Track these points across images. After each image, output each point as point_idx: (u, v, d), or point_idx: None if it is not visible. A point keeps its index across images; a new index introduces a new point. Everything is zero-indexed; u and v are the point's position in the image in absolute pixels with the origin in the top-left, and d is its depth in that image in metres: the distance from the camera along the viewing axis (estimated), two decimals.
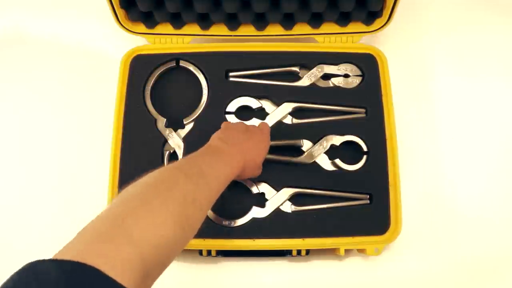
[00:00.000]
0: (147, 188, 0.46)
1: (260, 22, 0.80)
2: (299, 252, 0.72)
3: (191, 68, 0.80)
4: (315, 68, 0.79)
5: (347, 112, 0.78)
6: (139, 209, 0.42)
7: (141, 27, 0.81)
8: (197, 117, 0.77)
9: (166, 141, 0.76)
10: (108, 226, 0.40)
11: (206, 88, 0.79)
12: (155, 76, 0.79)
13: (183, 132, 0.77)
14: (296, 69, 0.80)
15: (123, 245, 0.38)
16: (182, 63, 0.80)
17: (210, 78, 0.79)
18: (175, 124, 0.77)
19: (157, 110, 0.78)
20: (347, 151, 0.78)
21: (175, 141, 0.76)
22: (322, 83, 0.80)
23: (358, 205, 0.73)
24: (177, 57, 0.80)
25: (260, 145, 0.66)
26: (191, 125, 0.77)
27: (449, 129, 0.84)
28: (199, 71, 0.79)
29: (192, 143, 0.76)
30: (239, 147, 0.62)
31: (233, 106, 0.78)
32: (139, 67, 0.79)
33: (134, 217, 0.41)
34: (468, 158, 0.82)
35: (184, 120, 0.77)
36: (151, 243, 0.40)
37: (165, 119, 0.77)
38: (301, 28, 0.81)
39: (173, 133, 0.76)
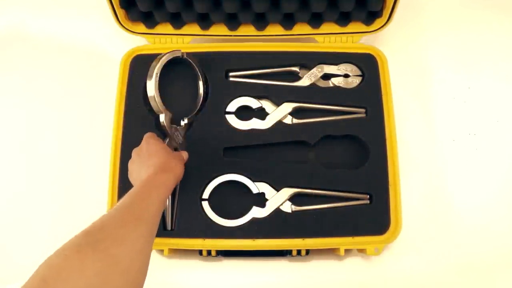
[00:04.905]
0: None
1: (260, 22, 0.80)
2: (299, 252, 0.72)
3: (191, 68, 0.80)
4: (315, 68, 0.79)
5: (347, 112, 0.77)
6: None
7: (141, 27, 0.81)
8: (197, 117, 0.77)
9: (166, 141, 0.76)
10: None
11: (206, 88, 0.79)
12: (161, 62, 0.75)
13: (183, 131, 0.77)
14: (296, 69, 0.80)
15: None
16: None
17: (210, 78, 0.79)
18: (175, 124, 0.77)
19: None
20: (348, 151, 0.78)
21: (175, 140, 0.76)
22: (322, 83, 0.80)
23: (358, 205, 0.73)
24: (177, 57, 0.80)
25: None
26: (191, 125, 0.77)
27: (449, 129, 0.84)
28: (199, 71, 0.79)
29: (192, 143, 0.76)
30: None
31: (233, 106, 0.78)
32: (139, 67, 0.79)
33: None
34: (468, 158, 0.82)
35: (184, 120, 0.77)
36: None
37: (168, 117, 0.76)
38: (301, 28, 0.81)
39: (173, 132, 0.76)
